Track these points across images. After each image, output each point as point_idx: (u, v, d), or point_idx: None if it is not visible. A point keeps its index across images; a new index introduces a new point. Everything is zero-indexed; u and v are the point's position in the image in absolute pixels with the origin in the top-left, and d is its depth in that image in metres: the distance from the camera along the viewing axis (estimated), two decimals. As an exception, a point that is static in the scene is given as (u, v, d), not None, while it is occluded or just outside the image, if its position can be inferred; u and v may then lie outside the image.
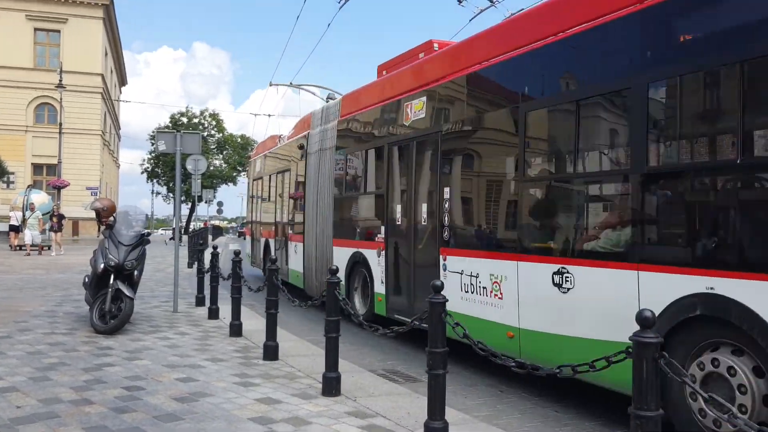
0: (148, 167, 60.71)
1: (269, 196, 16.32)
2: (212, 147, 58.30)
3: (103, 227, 8.97)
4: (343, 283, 9.94)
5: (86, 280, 8.96)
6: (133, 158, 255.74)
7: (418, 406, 5.02)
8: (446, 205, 7.62)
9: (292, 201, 13.87)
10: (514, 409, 5.86)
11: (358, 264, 10.14)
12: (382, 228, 9.31)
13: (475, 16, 10.14)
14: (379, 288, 9.36)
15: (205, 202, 51.01)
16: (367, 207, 10.18)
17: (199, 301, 11.04)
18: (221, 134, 61.02)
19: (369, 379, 6.25)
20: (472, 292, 7.01)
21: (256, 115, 74.89)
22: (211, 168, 55.24)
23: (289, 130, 15.21)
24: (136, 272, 8.67)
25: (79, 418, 4.72)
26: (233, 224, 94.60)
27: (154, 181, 62.15)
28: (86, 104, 42.25)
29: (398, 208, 8.96)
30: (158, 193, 67.34)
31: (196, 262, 13.39)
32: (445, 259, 7.58)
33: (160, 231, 75.35)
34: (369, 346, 8.60)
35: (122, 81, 60.76)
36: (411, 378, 6.85)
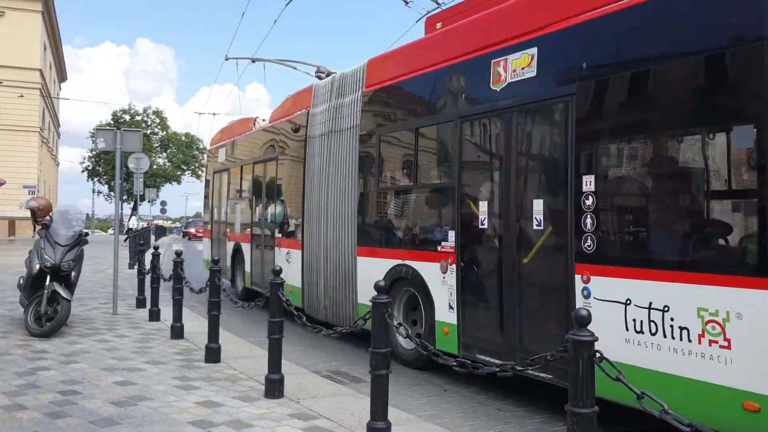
0: (88, 165, 59.11)
1: (241, 191, 13.86)
2: (156, 145, 57.25)
3: (38, 227, 8.71)
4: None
5: (21, 281, 8.72)
6: (74, 156, 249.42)
7: (362, 407, 5.01)
8: (589, 201, 5.29)
9: (280, 196, 11.64)
10: (458, 408, 5.92)
11: (402, 281, 7.74)
12: (450, 233, 6.88)
13: (421, 18, 10.17)
14: (446, 316, 6.85)
15: (148, 202, 50.13)
16: (420, 205, 7.88)
17: (140, 303, 10.80)
18: (165, 132, 59.98)
19: (313, 381, 6.23)
20: (654, 334, 4.72)
21: (200, 114, 73.68)
22: (155, 167, 54.27)
23: (270, 112, 12.84)
24: (73, 273, 8.43)
25: (11, 425, 4.57)
26: (177, 224, 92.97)
27: (95, 179, 60.82)
28: (23, 100, 40.84)
29: (482, 205, 6.54)
30: (99, 192, 66.00)
31: (137, 263, 13.08)
32: (587, 281, 5.27)
33: (110, 231, 73.40)
34: (313, 347, 8.57)
35: (62, 77, 58.97)
36: (355, 378, 6.85)
